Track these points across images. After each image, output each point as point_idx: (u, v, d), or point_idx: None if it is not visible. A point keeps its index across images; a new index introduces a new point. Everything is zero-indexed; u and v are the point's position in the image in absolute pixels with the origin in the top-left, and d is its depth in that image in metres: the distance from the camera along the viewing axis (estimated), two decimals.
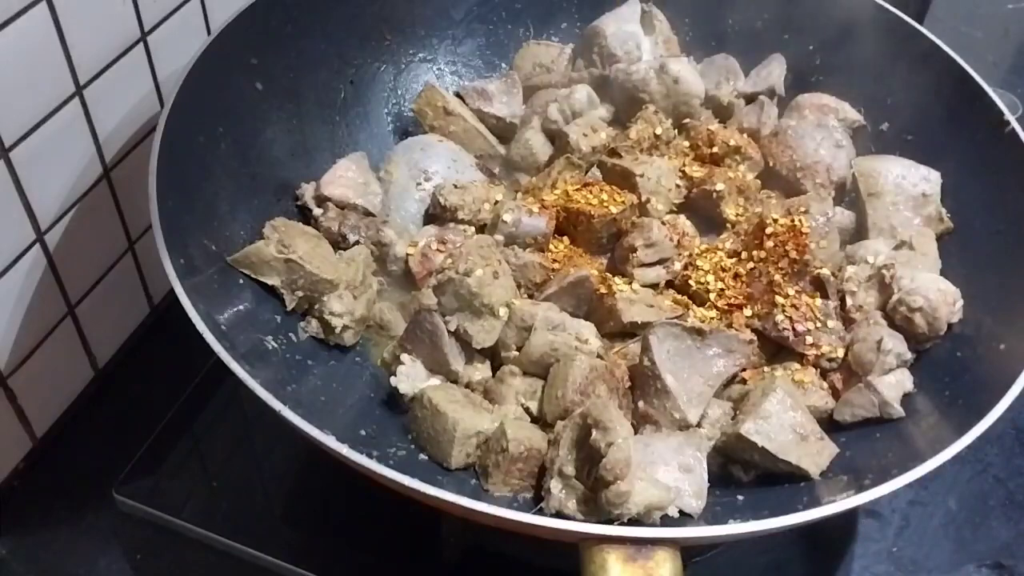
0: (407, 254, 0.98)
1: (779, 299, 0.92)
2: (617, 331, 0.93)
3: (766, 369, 0.91)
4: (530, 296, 0.95)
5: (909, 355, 0.90)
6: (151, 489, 0.96)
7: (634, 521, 0.73)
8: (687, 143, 1.10)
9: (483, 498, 0.77)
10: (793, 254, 0.94)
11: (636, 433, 0.83)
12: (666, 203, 1.04)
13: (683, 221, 1.03)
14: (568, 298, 0.94)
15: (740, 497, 0.82)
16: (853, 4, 1.15)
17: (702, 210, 1.05)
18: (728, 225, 1.04)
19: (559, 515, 0.75)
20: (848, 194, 1.08)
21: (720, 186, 1.03)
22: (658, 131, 1.09)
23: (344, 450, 0.71)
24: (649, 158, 1.06)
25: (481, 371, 0.91)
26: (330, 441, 0.71)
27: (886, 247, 1.01)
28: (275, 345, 0.88)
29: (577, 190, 1.03)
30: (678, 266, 0.99)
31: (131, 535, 0.95)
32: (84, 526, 0.95)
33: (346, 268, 0.94)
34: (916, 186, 1.02)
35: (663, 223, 1.01)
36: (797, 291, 0.93)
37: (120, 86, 0.96)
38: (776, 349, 0.93)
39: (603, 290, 0.93)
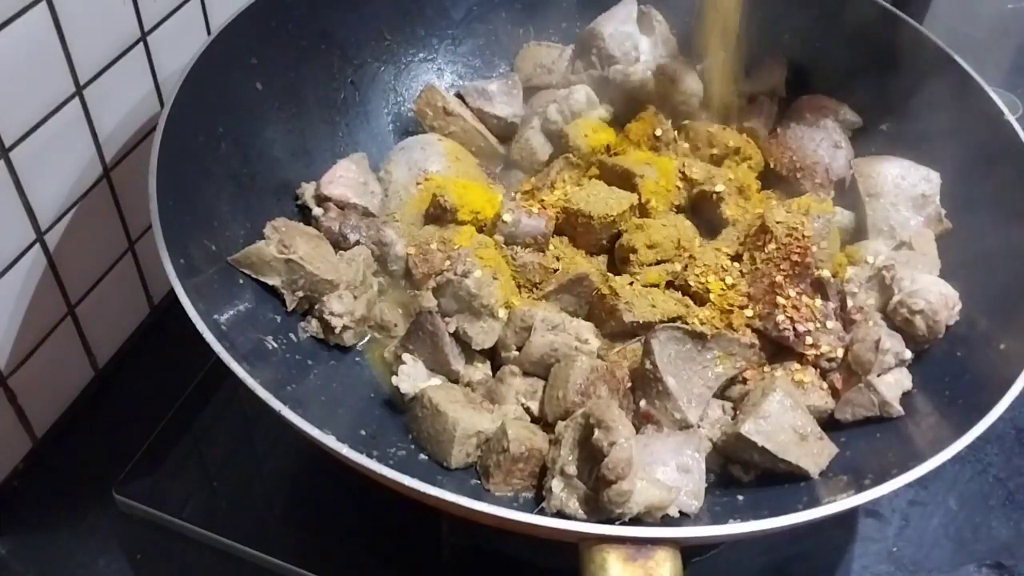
0: (407, 254, 0.98)
1: (780, 300, 0.92)
2: (617, 331, 0.93)
3: (766, 369, 0.91)
4: (530, 296, 0.95)
5: (908, 354, 0.90)
6: (151, 489, 0.96)
7: (634, 521, 0.73)
8: (687, 144, 1.10)
9: (483, 498, 0.76)
10: (796, 257, 0.94)
11: (637, 433, 0.83)
12: (666, 204, 1.03)
13: (683, 221, 1.03)
14: (568, 298, 0.94)
15: (740, 497, 0.82)
16: (853, 4, 1.15)
17: (702, 211, 1.05)
18: (730, 225, 1.03)
19: (560, 515, 0.75)
20: (848, 194, 1.08)
21: (720, 187, 1.03)
22: (658, 132, 1.09)
23: (344, 450, 0.71)
24: (649, 158, 1.06)
25: (481, 371, 0.91)
26: (330, 441, 0.71)
27: (886, 247, 1.01)
28: (275, 345, 0.88)
29: (577, 190, 1.03)
30: (678, 266, 0.99)
31: (131, 535, 0.95)
32: (84, 526, 0.95)
33: (346, 268, 0.94)
34: (916, 186, 1.02)
35: (663, 224, 1.01)
36: (798, 292, 0.93)
37: (120, 86, 0.96)
38: (776, 349, 0.93)
39: (603, 290, 0.93)
